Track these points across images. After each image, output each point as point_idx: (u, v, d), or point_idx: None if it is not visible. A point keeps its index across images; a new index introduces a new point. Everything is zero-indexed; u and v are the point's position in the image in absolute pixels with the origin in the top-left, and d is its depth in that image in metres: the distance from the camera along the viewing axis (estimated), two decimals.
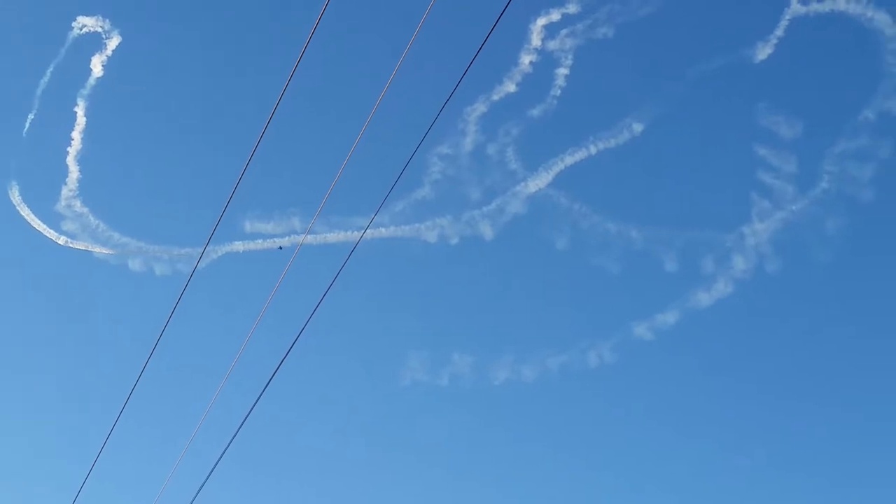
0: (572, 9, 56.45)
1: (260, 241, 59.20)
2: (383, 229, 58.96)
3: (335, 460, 66.12)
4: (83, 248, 60.34)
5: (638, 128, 58.17)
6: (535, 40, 56.67)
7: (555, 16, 56.55)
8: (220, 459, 31.38)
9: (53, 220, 61.17)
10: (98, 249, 60.32)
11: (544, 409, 64.34)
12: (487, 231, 59.17)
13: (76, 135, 59.65)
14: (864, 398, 63.84)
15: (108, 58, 59.47)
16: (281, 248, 52.88)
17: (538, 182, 58.57)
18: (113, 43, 59.42)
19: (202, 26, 68.74)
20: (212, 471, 31.91)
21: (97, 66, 59.24)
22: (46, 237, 60.94)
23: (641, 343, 59.24)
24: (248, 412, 29.98)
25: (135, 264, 60.67)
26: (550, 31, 56.70)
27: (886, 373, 63.76)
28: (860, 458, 62.44)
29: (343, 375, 67.12)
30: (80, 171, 60.49)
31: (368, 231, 57.80)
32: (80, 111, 59.85)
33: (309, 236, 59.04)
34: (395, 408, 65.54)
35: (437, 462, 65.61)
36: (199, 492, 33.19)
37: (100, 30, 59.54)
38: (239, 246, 58.94)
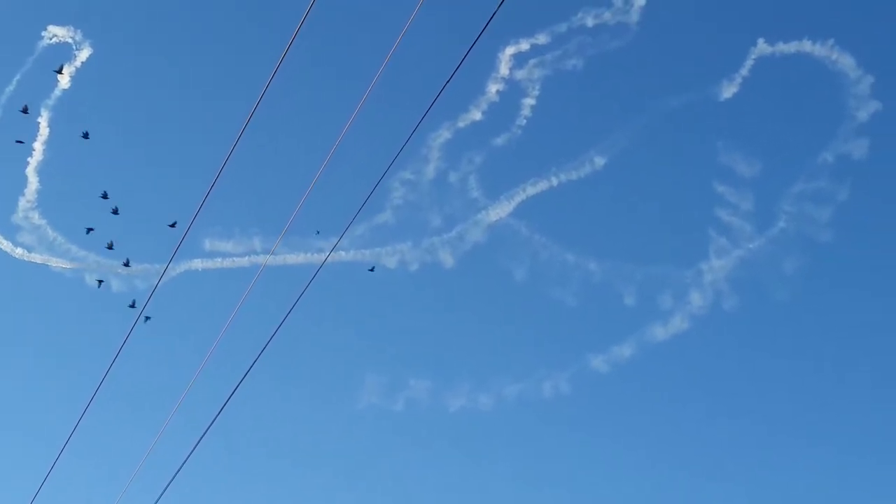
0: (542, 39, 56.71)
1: (219, 259, 58.87)
2: (343, 252, 58.84)
3: (285, 481, 65.70)
4: (40, 261, 59.69)
5: (600, 161, 58.45)
6: (504, 69, 56.85)
7: (524, 46, 56.77)
8: (169, 483, 31.06)
9: (9, 232, 60.49)
10: (55, 263, 59.73)
11: (499, 437, 64.35)
12: (447, 258, 59.20)
13: (38, 145, 59.07)
14: (818, 434, 64.41)
15: (77, 70, 58.95)
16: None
17: (499, 211, 58.70)
18: (83, 55, 58.89)
19: (174, 45, 68.59)
20: (160, 496, 31.58)
21: (65, 77, 58.67)
22: (1, 248, 60.24)
23: (597, 375, 59.46)
24: (202, 434, 29.67)
25: (91, 279, 60.14)
26: (519, 60, 56.94)
27: (839, 410, 64.38)
28: (815, 488, 63.08)
29: (299, 398, 66.82)
30: (39, 182, 59.93)
31: (327, 254, 57.60)
32: (43, 122, 59.29)
33: (269, 257, 58.80)
34: (349, 432, 65.34)
35: (389, 487, 65.38)
36: None
37: (70, 41, 58.99)
38: (198, 264, 58.58)
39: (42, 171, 59.96)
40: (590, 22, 56.38)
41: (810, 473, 63.69)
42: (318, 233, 54.73)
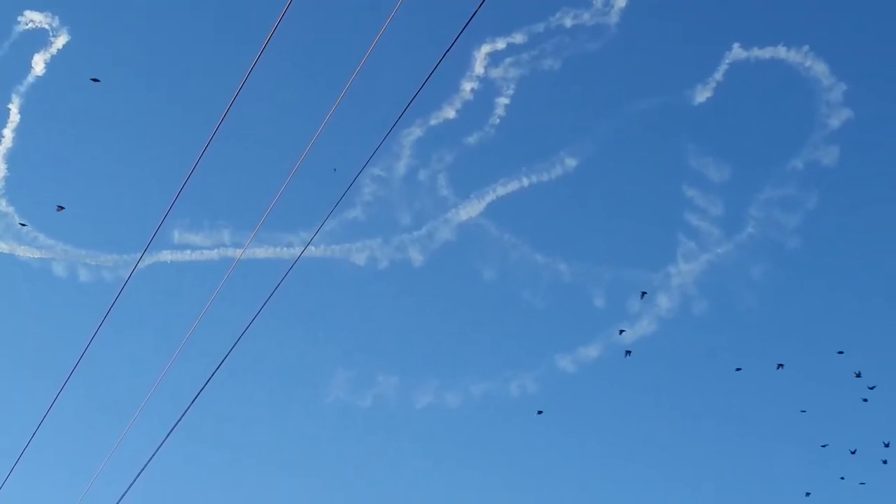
0: (518, 38, 56.68)
1: (189, 252, 58.56)
2: (313, 248, 58.68)
3: (251, 476, 65.54)
4: (6, 249, 59.17)
5: (571, 162, 58.55)
6: (479, 68, 56.80)
7: (500, 44, 56.73)
8: (135, 479, 30.91)
9: None
10: (22, 252, 59.22)
11: (466, 435, 64.46)
12: (417, 256, 59.17)
13: (8, 132, 58.50)
14: (784, 435, 64.89)
15: (53, 56, 58.29)
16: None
17: (469, 210, 58.71)
18: (60, 41, 58.22)
19: (153, 35, 68.12)
20: (125, 492, 31.43)
21: (39, 63, 57.99)
22: None
23: (564, 375, 59.65)
24: (168, 432, 29.53)
25: (59, 269, 59.67)
26: (494, 59, 56.92)
27: (806, 412, 64.87)
28: (781, 488, 63.55)
29: (266, 393, 66.65)
30: (7, 169, 59.37)
31: (299, 249, 57.45)
32: (14, 108, 58.67)
33: (237, 251, 58.56)
34: (316, 427, 65.26)
35: (355, 482, 65.36)
36: None
37: (47, 27, 58.30)
38: (167, 256, 58.27)
39: (11, 158, 59.45)
40: (568, 22, 56.42)
41: (776, 474, 64.20)
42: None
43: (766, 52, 56.88)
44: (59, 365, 63.16)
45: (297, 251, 57.82)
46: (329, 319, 67.36)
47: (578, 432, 65.33)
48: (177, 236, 58.17)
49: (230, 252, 58.53)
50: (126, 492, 30.73)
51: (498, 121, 57.73)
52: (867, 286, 65.36)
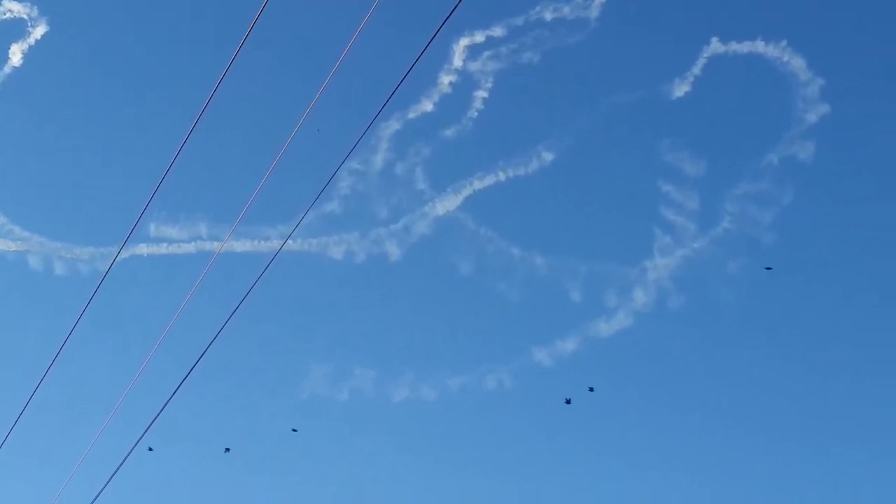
0: (497, 32, 56.62)
1: (165, 245, 58.32)
2: (291, 242, 58.51)
3: (228, 470, 65.38)
4: None
5: (548, 156, 58.59)
6: (457, 61, 56.73)
7: (479, 37, 56.65)
8: (113, 475, 30.80)
9: None
10: None
11: (442, 428, 64.46)
12: (394, 250, 59.11)
13: None
14: (759, 428, 65.23)
15: (31, 47, 57.80)
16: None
17: (446, 204, 58.68)
18: (38, 32, 57.73)
19: (132, 27, 67.67)
20: (103, 488, 31.30)
21: (17, 54, 57.52)
22: None
23: (540, 368, 59.73)
24: (144, 432, 29.43)
25: (35, 262, 59.33)
26: (473, 52, 56.85)
27: (782, 408, 65.22)
28: (756, 480, 63.88)
29: (244, 387, 66.46)
30: None
31: (276, 242, 57.31)
32: None
33: (214, 244, 58.40)
34: (293, 421, 65.10)
35: (332, 476, 65.32)
36: None
37: (25, 17, 57.76)
38: (144, 249, 58.02)
39: None
40: (548, 16, 56.41)
41: (754, 464, 64.47)
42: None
43: (745, 47, 57.00)
44: (35, 358, 62.86)
45: (274, 244, 57.70)
46: (306, 313, 67.26)
47: (555, 425, 65.42)
48: (153, 229, 57.98)
49: (207, 245, 58.39)
50: (103, 488, 30.64)
51: (476, 114, 57.76)
52: (843, 281, 65.72)
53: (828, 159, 61.48)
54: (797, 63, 56.25)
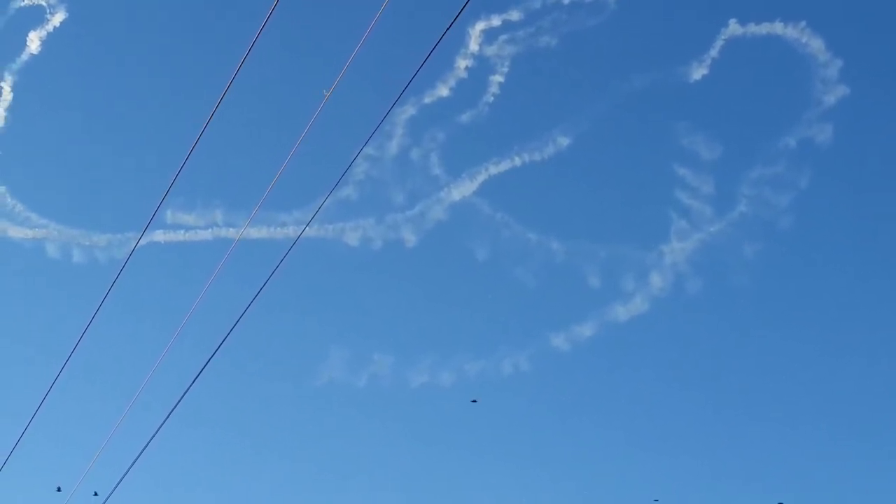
0: (514, 16, 56.36)
1: (182, 231, 58.35)
2: (307, 228, 58.44)
3: (248, 456, 65.63)
4: None
5: (564, 141, 58.39)
6: (473, 45, 56.51)
7: (495, 21, 56.41)
8: (134, 462, 30.85)
9: None
10: (14, 232, 58.91)
11: (459, 413, 64.49)
12: (410, 236, 59.05)
13: (0, 111, 58.09)
14: (775, 413, 65.13)
15: (49, 34, 57.68)
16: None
17: (462, 189, 58.57)
18: (56, 19, 57.61)
19: (150, 14, 67.59)
20: (124, 476, 31.37)
21: (34, 41, 57.41)
22: None
23: (557, 353, 59.71)
24: (164, 419, 29.47)
25: (52, 249, 59.41)
26: (489, 36, 56.61)
27: (799, 392, 65.08)
28: (771, 464, 63.82)
29: (262, 373, 66.60)
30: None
31: (292, 229, 57.29)
32: (6, 86, 58.23)
33: (231, 230, 58.40)
34: (311, 406, 65.28)
35: (349, 463, 65.44)
36: (109, 496, 32.58)
37: (44, 3, 57.61)
38: (160, 236, 58.04)
39: (3, 138, 59.12)
40: None
41: (768, 451, 64.44)
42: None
43: (763, 28, 56.55)
44: (56, 347, 63.12)
45: (290, 231, 57.69)
46: (323, 300, 67.30)
47: (572, 410, 65.46)
48: (170, 216, 57.99)
49: (224, 232, 58.39)
50: (124, 475, 30.70)
51: (492, 99, 57.57)
52: (860, 265, 65.48)
53: (846, 142, 61.17)
54: (816, 44, 55.82)
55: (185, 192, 58.24)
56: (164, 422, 28.92)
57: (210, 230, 58.30)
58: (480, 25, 56.25)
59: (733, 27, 56.32)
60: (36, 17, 57.62)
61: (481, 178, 58.22)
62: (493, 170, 58.19)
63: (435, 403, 63.56)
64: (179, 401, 29.07)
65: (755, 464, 64.03)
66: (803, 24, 55.78)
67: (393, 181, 58.72)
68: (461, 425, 65.29)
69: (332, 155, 56.41)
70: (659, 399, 65.84)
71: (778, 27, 56.24)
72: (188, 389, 28.87)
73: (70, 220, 59.70)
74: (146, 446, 29.45)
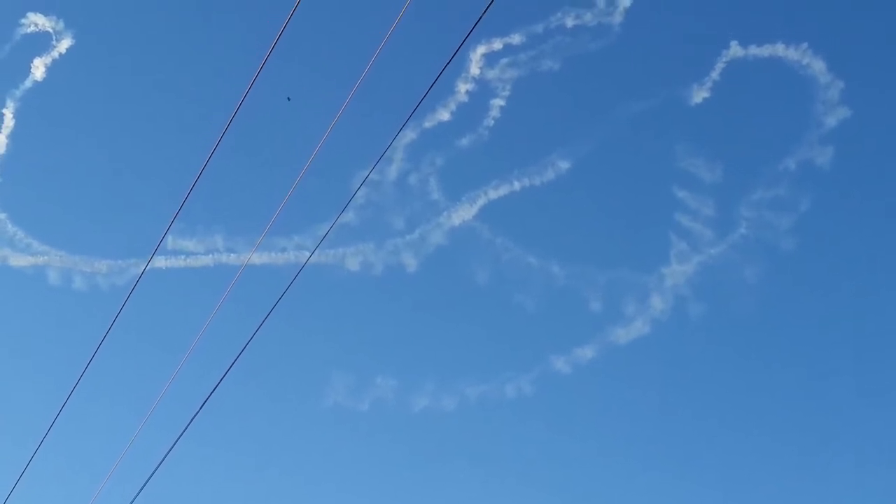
0: (516, 39, 56.53)
1: (183, 258, 58.29)
2: (306, 253, 58.52)
3: (251, 479, 65.41)
4: None
5: (564, 165, 58.51)
6: (474, 69, 56.65)
7: (497, 45, 56.58)
8: (138, 494, 30.79)
9: None
10: (14, 260, 58.82)
11: (462, 437, 64.36)
12: (410, 261, 59.06)
13: (2, 138, 58.07)
14: (778, 433, 64.96)
15: (54, 61, 57.66)
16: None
17: (462, 214, 58.63)
18: (63, 46, 57.65)
19: (159, 44, 67.63)
20: (133, 499, 31.27)
21: (39, 68, 57.40)
22: None
23: (559, 376, 59.66)
24: (171, 446, 29.41)
25: (53, 276, 59.30)
26: (490, 60, 56.74)
27: (799, 415, 64.95)
28: (772, 485, 63.64)
29: (266, 397, 66.45)
30: (0, 175, 59.04)
31: (293, 254, 57.29)
32: (8, 113, 58.24)
33: (232, 256, 58.37)
34: (314, 431, 65.13)
35: (353, 485, 65.25)
36: None
37: (50, 30, 57.63)
38: (161, 262, 58.00)
39: (4, 164, 59.07)
40: (569, 22, 56.28)
41: (771, 473, 64.27)
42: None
43: (765, 50, 56.73)
44: (58, 374, 62.92)
45: (290, 256, 57.69)
46: (325, 325, 67.17)
47: (574, 432, 65.30)
48: (171, 242, 57.97)
49: (225, 258, 58.35)
50: (133, 500, 30.59)
51: (492, 123, 57.68)
52: (863, 288, 65.43)
53: (847, 164, 61.20)
54: (818, 66, 56.00)
55: (185, 217, 58.20)
56: (174, 446, 28.83)
57: (211, 256, 58.30)
58: (482, 49, 56.46)
59: (735, 49, 56.53)
60: (42, 43, 57.68)
61: (481, 202, 58.36)
62: (493, 194, 58.35)
63: (437, 427, 63.43)
64: (189, 425, 28.97)
65: (758, 486, 63.89)
66: (805, 45, 56.01)
67: (393, 206, 58.81)
68: (464, 448, 65.16)
69: (330, 179, 56.51)
70: (661, 420, 65.76)
71: (779, 49, 56.45)
72: (195, 416, 28.78)
73: (71, 246, 59.70)
74: (155, 471, 29.35)
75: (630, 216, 65.32)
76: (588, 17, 55.85)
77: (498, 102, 57.30)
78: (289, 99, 49.61)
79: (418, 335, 67.29)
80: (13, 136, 58.38)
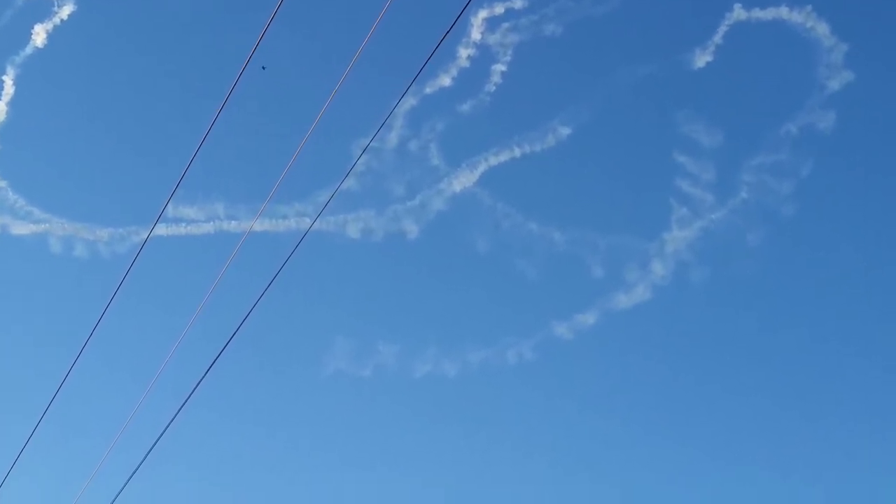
0: (518, 4, 56.21)
1: (184, 225, 58.24)
2: (307, 220, 58.48)
3: (253, 447, 65.63)
4: None
5: (565, 131, 58.36)
6: (475, 34, 56.39)
7: (498, 9, 56.29)
8: (143, 460, 30.84)
9: None
10: (16, 228, 58.78)
11: (464, 402, 64.52)
12: (411, 227, 59.00)
13: (1, 105, 57.88)
14: (781, 399, 65.09)
15: (55, 27, 57.36)
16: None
17: (463, 180, 58.52)
18: (64, 12, 57.35)
19: (161, 10, 67.28)
20: (134, 472, 31.37)
21: (40, 34, 57.10)
22: None
23: (561, 341, 59.75)
24: (175, 413, 29.45)
25: (55, 244, 59.27)
26: (491, 24, 56.46)
27: (801, 381, 65.05)
28: (774, 456, 63.75)
29: (268, 364, 66.54)
30: (0, 143, 58.91)
31: (294, 221, 57.22)
32: (8, 80, 58.01)
33: (233, 223, 58.31)
34: (316, 397, 65.30)
35: (356, 451, 65.47)
36: (119, 493, 32.59)
37: None
38: (162, 230, 57.97)
39: (4, 132, 58.93)
40: None
41: (772, 439, 64.46)
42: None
43: (768, 13, 56.37)
44: (60, 342, 63.00)
45: (291, 223, 57.63)
46: (327, 292, 67.18)
47: (576, 397, 65.46)
48: (171, 209, 57.90)
49: (226, 225, 58.29)
50: (136, 468, 30.70)
51: (493, 88, 57.47)
52: (865, 253, 65.41)
53: (849, 129, 60.98)
54: (821, 28, 55.66)
55: (185, 185, 57.84)
56: (177, 414, 28.88)
57: (212, 223, 58.25)
58: (483, 13, 56.18)
59: (738, 12, 56.21)
60: (43, 9, 57.40)
61: (482, 168, 58.24)
62: (494, 160, 58.22)
63: (439, 392, 63.58)
64: (191, 394, 29.01)
65: (759, 452, 64.07)
66: (809, 7, 55.64)
67: (393, 172, 58.70)
68: (466, 414, 65.33)
69: (330, 146, 56.37)
70: (662, 386, 65.89)
71: (783, 11, 56.10)
72: (199, 382, 28.80)
73: (72, 214, 59.64)
74: (159, 438, 29.42)
75: (631, 182, 65.26)
76: None
77: (499, 68, 57.11)
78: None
79: (420, 301, 67.39)
80: (13, 104, 58.25)
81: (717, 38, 55.98)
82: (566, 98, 59.93)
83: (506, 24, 56.37)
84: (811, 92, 56.46)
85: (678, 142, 58.37)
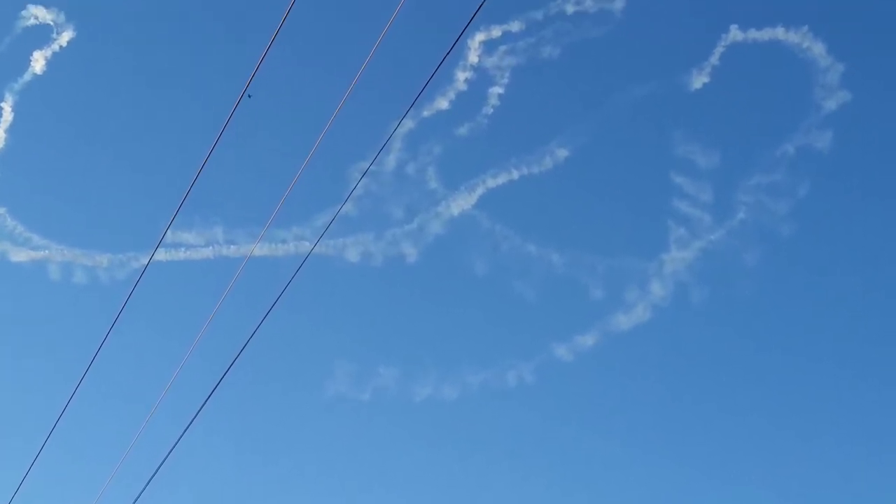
0: (515, 26, 56.39)
1: (183, 250, 58.27)
2: (307, 244, 58.51)
3: (255, 470, 65.52)
4: None
5: (563, 153, 58.48)
6: (472, 57, 56.54)
7: (495, 32, 56.46)
8: (145, 487, 30.81)
9: None
10: (15, 255, 58.76)
11: (464, 425, 64.46)
12: (410, 251, 59.07)
13: (0, 132, 57.97)
14: (779, 421, 65.07)
15: (55, 54, 57.48)
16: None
17: (461, 203, 58.62)
18: (63, 39, 57.45)
19: (161, 36, 67.44)
20: (136, 499, 31.32)
21: (39, 61, 57.20)
22: None
23: (561, 363, 59.73)
24: (177, 440, 29.42)
25: (54, 271, 59.25)
26: (489, 47, 56.62)
27: (800, 400, 65.05)
28: (774, 476, 63.69)
29: (269, 388, 66.50)
30: None
31: (293, 245, 57.26)
32: (7, 107, 58.11)
33: (232, 248, 58.33)
34: (316, 421, 65.23)
35: (356, 475, 65.37)
36: None
37: (51, 23, 57.42)
38: (161, 255, 57.97)
39: (3, 158, 58.99)
40: (569, 9, 56.16)
41: (772, 459, 64.44)
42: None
43: (765, 34, 56.55)
44: (60, 369, 62.90)
45: (290, 247, 57.66)
46: (326, 315, 67.20)
47: (576, 420, 65.41)
48: (170, 234, 57.89)
49: (225, 250, 58.30)
50: (140, 493, 30.63)
51: (491, 111, 57.61)
52: (863, 273, 65.46)
53: (846, 149, 61.14)
54: (817, 49, 55.82)
55: (184, 210, 57.91)
56: (179, 440, 28.85)
57: (211, 248, 58.25)
58: (480, 36, 56.34)
59: (734, 33, 56.41)
60: (42, 36, 57.49)
61: (480, 191, 58.34)
62: (492, 182, 58.32)
63: (439, 416, 63.51)
64: (193, 419, 28.99)
65: (759, 473, 64.01)
66: (805, 28, 55.83)
67: (391, 196, 58.79)
68: (466, 437, 65.26)
69: (328, 169, 56.48)
70: (662, 407, 65.87)
71: (780, 32, 56.28)
72: (201, 409, 28.79)
73: (71, 240, 59.64)
74: (161, 465, 29.38)
75: (629, 203, 65.35)
76: (588, 4, 55.78)
77: (496, 90, 57.25)
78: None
79: (419, 325, 67.38)
80: (12, 130, 58.31)
81: (714, 59, 56.19)
82: (563, 120, 60.14)
83: (503, 47, 56.59)
84: (808, 112, 56.66)
85: (675, 163, 58.56)
